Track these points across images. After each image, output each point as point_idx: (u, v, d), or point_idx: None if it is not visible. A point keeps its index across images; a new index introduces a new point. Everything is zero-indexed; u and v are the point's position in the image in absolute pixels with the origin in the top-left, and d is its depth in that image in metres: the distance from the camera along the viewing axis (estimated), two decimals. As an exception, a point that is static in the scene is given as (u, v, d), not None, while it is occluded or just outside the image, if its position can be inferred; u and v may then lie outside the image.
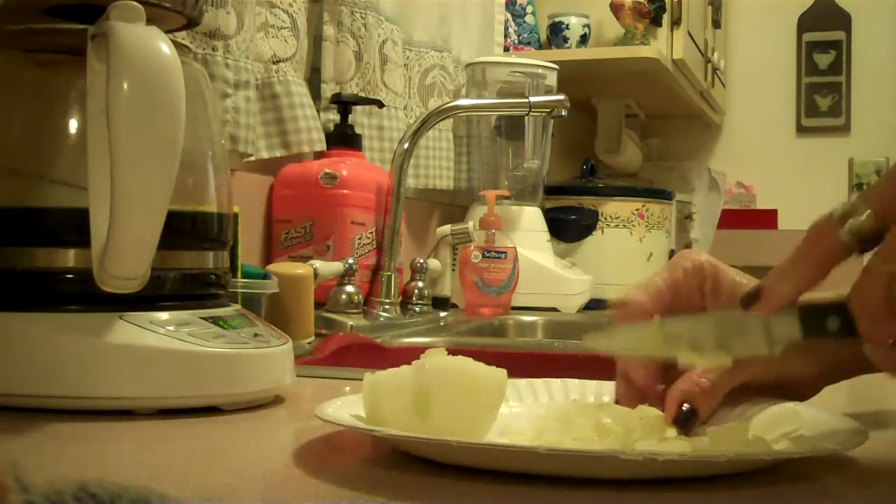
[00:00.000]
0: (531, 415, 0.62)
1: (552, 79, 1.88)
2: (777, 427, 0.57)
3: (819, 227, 0.53)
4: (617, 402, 0.65)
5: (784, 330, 0.55)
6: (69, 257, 0.68)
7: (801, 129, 3.43)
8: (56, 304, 0.68)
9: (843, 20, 3.40)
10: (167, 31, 0.65)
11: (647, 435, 0.56)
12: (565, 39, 2.37)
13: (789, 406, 0.60)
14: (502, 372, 0.56)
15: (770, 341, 0.55)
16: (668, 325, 0.58)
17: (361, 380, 0.57)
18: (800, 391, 0.65)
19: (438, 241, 1.68)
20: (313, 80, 1.49)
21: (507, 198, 1.83)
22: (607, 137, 2.71)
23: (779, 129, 3.44)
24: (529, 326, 1.72)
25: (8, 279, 0.69)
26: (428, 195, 1.87)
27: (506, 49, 2.23)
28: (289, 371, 0.75)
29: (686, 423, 0.59)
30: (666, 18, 2.36)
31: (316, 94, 1.48)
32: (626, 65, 2.29)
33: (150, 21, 0.64)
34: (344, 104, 1.45)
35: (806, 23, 3.44)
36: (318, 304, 1.23)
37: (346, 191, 1.36)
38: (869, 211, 0.51)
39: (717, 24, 2.95)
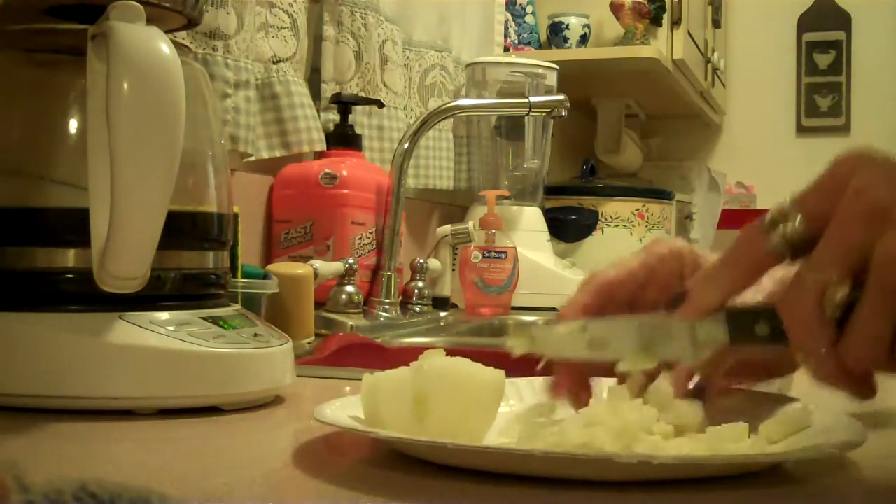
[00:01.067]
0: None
1: (552, 79, 1.88)
2: (786, 428, 0.57)
3: (750, 231, 0.52)
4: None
5: (710, 334, 0.54)
6: (69, 257, 0.68)
7: (801, 129, 3.43)
8: (56, 304, 0.68)
9: (843, 20, 3.40)
10: (167, 31, 0.65)
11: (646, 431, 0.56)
12: (565, 39, 2.37)
13: (798, 406, 0.60)
14: (500, 373, 0.56)
15: (695, 346, 0.54)
16: (593, 327, 0.57)
17: (361, 380, 0.57)
18: (786, 366, 0.66)
19: (438, 241, 1.68)
20: (313, 80, 1.49)
21: (507, 198, 1.83)
22: (607, 137, 2.71)
23: (779, 129, 3.44)
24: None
25: (8, 279, 0.69)
26: (428, 195, 1.87)
27: (506, 49, 2.22)
28: (289, 371, 0.75)
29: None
30: (666, 18, 2.36)
31: (316, 94, 1.48)
32: (626, 65, 2.29)
33: (150, 21, 0.64)
34: (344, 104, 1.45)
35: (806, 23, 3.43)
36: (318, 304, 1.23)
37: (346, 191, 1.36)
38: (800, 216, 0.50)
39: (717, 24, 2.94)
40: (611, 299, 0.63)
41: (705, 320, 0.54)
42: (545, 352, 0.59)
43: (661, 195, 2.17)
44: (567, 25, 2.37)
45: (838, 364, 0.49)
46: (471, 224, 1.64)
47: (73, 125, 0.70)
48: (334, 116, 1.46)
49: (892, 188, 0.47)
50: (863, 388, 0.51)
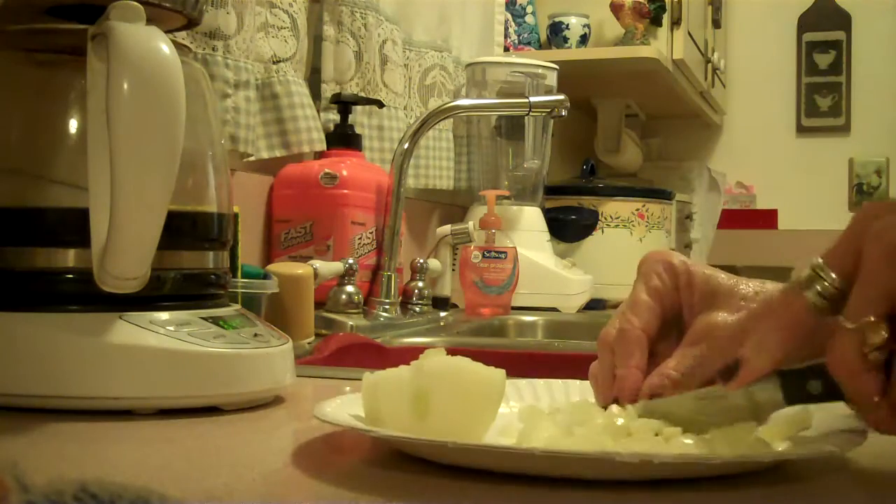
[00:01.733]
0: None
1: (552, 79, 1.88)
2: (787, 429, 0.57)
3: (788, 293, 0.53)
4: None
5: (768, 399, 0.55)
6: (69, 257, 0.68)
7: (801, 129, 3.43)
8: (56, 304, 0.67)
9: (843, 20, 3.40)
10: (167, 31, 0.65)
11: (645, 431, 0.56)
12: (565, 39, 2.37)
13: (799, 407, 0.60)
14: (501, 372, 0.56)
15: (755, 412, 0.56)
16: (652, 406, 0.59)
17: (361, 380, 0.57)
18: None
19: (438, 241, 1.68)
20: (313, 80, 1.49)
21: (507, 198, 1.83)
22: (607, 137, 2.71)
23: (779, 129, 3.44)
24: (529, 326, 1.72)
25: (8, 279, 0.69)
26: (428, 195, 1.87)
27: (506, 49, 2.23)
28: (289, 371, 0.75)
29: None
30: (666, 18, 2.36)
31: (316, 94, 1.48)
32: (626, 65, 2.29)
33: (150, 21, 0.64)
34: (344, 104, 1.45)
35: (806, 23, 3.44)
36: (318, 304, 1.23)
37: (346, 191, 1.36)
38: (833, 274, 0.51)
39: (717, 24, 2.95)
40: (648, 342, 0.63)
41: (760, 385, 0.55)
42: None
43: (661, 195, 2.17)
44: (567, 25, 2.37)
45: (892, 409, 0.49)
46: (471, 224, 1.64)
47: (73, 125, 0.70)
48: (334, 116, 1.46)
49: None
50: None
